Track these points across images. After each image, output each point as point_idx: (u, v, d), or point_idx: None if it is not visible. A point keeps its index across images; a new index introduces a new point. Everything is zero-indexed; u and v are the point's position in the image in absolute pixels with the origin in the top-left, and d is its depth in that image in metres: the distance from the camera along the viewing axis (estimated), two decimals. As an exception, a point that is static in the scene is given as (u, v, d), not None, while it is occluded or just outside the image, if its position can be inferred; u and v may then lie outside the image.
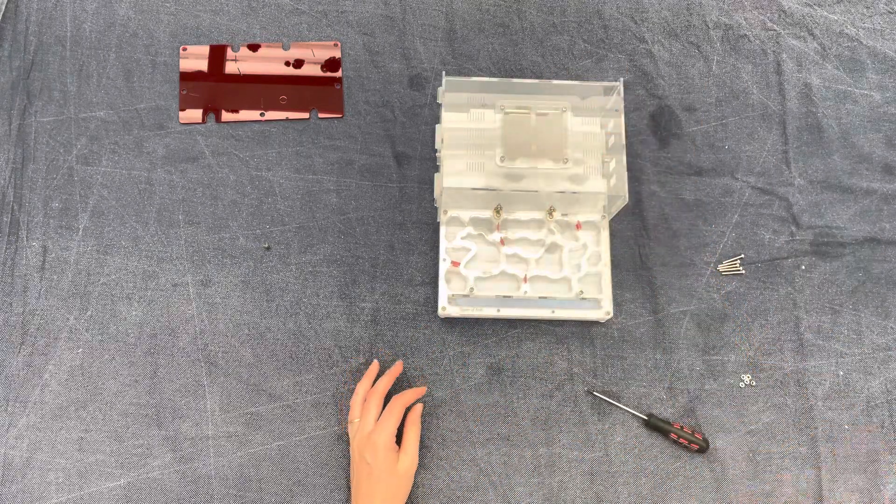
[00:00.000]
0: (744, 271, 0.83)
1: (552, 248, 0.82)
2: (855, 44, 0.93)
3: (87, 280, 0.81)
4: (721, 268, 0.82)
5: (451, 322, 0.82)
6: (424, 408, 0.79)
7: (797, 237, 0.87)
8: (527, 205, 0.82)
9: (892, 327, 0.84)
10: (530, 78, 0.90)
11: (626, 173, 0.77)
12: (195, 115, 0.87)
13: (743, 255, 0.83)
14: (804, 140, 0.90)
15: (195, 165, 0.85)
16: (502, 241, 0.82)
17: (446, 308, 0.79)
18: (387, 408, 0.73)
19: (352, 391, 0.79)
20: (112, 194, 0.84)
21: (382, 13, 0.91)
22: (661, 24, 0.93)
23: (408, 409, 0.75)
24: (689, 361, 0.82)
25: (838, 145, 0.90)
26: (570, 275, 0.81)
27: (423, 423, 0.78)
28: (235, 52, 0.89)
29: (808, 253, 0.86)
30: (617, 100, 0.79)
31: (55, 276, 0.81)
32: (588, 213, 0.83)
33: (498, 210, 0.82)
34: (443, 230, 0.82)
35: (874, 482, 0.80)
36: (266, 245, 0.80)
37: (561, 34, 0.92)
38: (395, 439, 0.72)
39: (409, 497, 0.76)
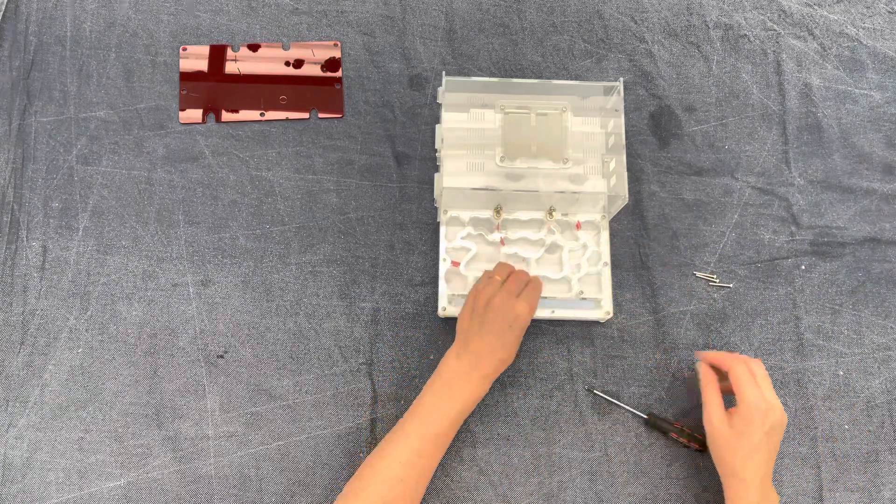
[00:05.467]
0: (718, 281, 0.83)
1: (552, 248, 0.82)
2: (855, 44, 0.93)
3: (87, 280, 0.81)
4: (699, 274, 0.82)
5: (452, 322, 0.82)
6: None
7: (797, 237, 0.87)
8: (527, 205, 0.82)
9: (892, 327, 0.84)
10: (530, 78, 0.90)
11: (626, 173, 0.77)
12: (195, 115, 0.87)
13: (717, 279, 0.83)
14: (804, 140, 0.90)
15: (195, 165, 0.85)
16: (502, 241, 0.82)
17: (446, 308, 0.79)
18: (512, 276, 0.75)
19: (352, 391, 0.79)
20: (112, 194, 0.84)
21: (382, 13, 0.91)
22: (661, 24, 0.93)
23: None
24: (689, 361, 0.82)
25: (838, 145, 0.90)
26: (570, 275, 0.81)
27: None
28: (235, 52, 0.89)
29: (808, 253, 0.86)
30: (617, 100, 0.79)
31: (55, 276, 0.81)
32: (588, 213, 0.83)
33: (498, 210, 0.82)
34: (443, 230, 0.82)
35: (874, 482, 0.80)
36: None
37: (561, 34, 0.92)
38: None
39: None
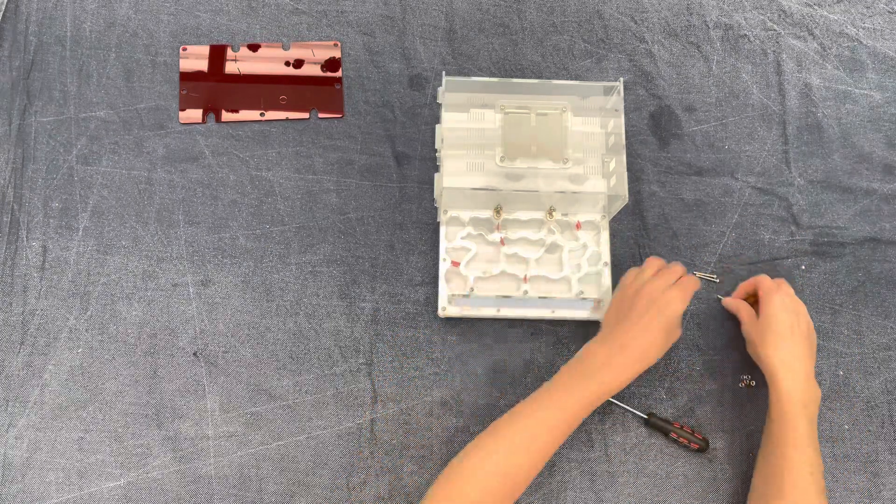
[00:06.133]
0: (717, 280, 0.84)
1: (552, 248, 0.82)
2: (855, 44, 0.93)
3: (87, 280, 0.81)
4: (699, 274, 0.83)
5: (451, 322, 0.82)
6: (424, 408, 0.79)
7: (797, 237, 0.87)
8: (527, 205, 0.82)
9: (892, 327, 0.84)
10: (530, 78, 0.90)
11: (626, 173, 0.77)
12: (195, 115, 0.87)
13: (717, 279, 0.84)
14: (804, 140, 0.90)
15: (195, 165, 0.85)
16: (502, 241, 0.82)
17: (446, 308, 0.79)
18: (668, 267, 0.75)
19: (352, 391, 0.79)
20: (112, 194, 0.84)
21: (382, 13, 0.91)
22: (661, 24, 0.93)
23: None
24: (689, 361, 0.82)
25: (838, 145, 0.90)
26: (570, 275, 0.81)
27: (422, 422, 0.79)
28: (235, 52, 0.89)
29: (808, 253, 0.86)
30: (617, 100, 0.79)
31: (55, 276, 0.81)
32: (588, 213, 0.83)
33: (498, 210, 0.82)
34: (443, 230, 0.82)
35: (874, 482, 0.80)
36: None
37: (561, 34, 0.92)
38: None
39: (408, 497, 0.77)
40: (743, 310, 0.79)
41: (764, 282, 0.78)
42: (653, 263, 0.76)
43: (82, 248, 0.82)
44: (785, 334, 0.74)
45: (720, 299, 0.83)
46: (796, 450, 0.69)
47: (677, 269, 0.75)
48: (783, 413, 0.71)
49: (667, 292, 0.71)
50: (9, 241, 0.82)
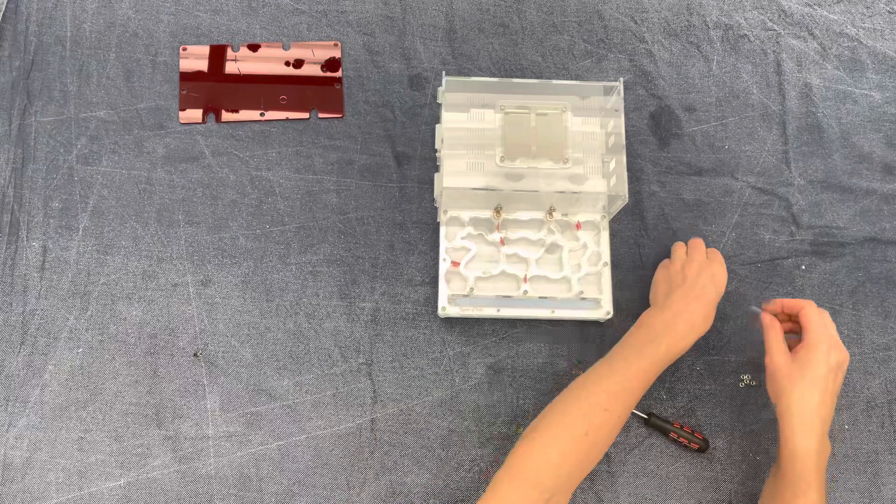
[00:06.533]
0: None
1: (552, 248, 0.82)
2: (855, 44, 0.93)
3: (87, 280, 0.81)
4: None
5: (451, 322, 0.82)
6: (424, 408, 0.79)
7: (797, 237, 0.87)
8: (527, 205, 0.82)
9: (892, 327, 0.84)
10: (530, 78, 0.90)
11: (626, 173, 0.77)
12: (195, 115, 0.87)
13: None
14: (804, 140, 0.90)
15: (195, 165, 0.85)
16: (502, 241, 0.82)
17: (446, 308, 0.79)
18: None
19: (352, 391, 0.79)
20: (112, 194, 0.84)
21: (382, 13, 0.91)
22: (661, 24, 0.93)
23: None
24: (689, 361, 0.82)
25: (838, 145, 0.90)
26: (570, 275, 0.81)
27: (422, 423, 0.79)
28: (235, 52, 0.89)
29: (808, 253, 0.86)
30: (617, 100, 0.79)
31: (55, 276, 0.81)
32: (588, 213, 0.83)
33: (498, 210, 0.82)
34: (443, 230, 0.82)
35: (874, 482, 0.80)
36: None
37: (561, 34, 0.92)
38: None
39: (408, 497, 0.77)
40: (775, 338, 0.72)
41: (810, 313, 0.71)
42: (681, 245, 0.80)
43: (82, 248, 0.82)
44: (820, 379, 0.68)
45: (754, 311, 0.77)
46: (804, 497, 0.66)
47: (701, 244, 0.79)
48: (795, 469, 0.67)
49: (712, 265, 0.76)
50: (9, 241, 0.82)
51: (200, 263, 0.83)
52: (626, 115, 0.85)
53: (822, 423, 0.68)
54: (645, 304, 0.83)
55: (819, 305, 0.84)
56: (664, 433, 0.79)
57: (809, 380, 0.68)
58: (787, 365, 0.69)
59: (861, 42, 0.93)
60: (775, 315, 0.75)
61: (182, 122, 0.87)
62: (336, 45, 0.90)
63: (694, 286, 0.74)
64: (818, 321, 0.71)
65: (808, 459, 0.66)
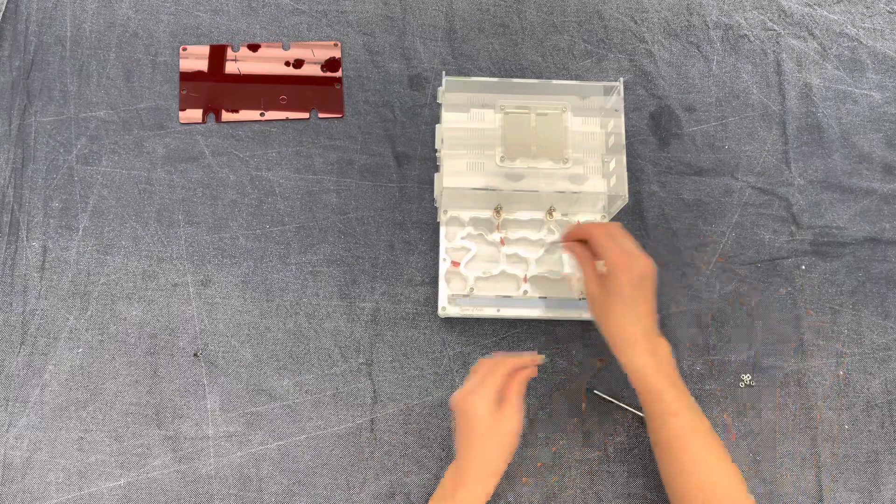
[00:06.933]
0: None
1: (552, 248, 0.82)
2: (855, 44, 0.93)
3: (87, 280, 0.81)
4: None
5: (451, 322, 0.82)
6: (424, 408, 0.79)
7: (797, 237, 0.87)
8: (527, 205, 0.82)
9: (892, 327, 0.84)
10: (530, 78, 0.90)
11: (626, 173, 0.77)
12: (195, 115, 0.87)
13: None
14: (804, 140, 0.90)
15: (195, 165, 0.85)
16: (502, 241, 0.82)
17: (446, 308, 0.79)
18: (487, 369, 0.70)
19: (352, 391, 0.79)
20: (112, 194, 0.84)
21: (382, 13, 0.91)
22: (661, 24, 0.93)
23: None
24: (689, 361, 0.82)
25: (838, 145, 0.90)
26: (571, 275, 0.81)
27: (422, 423, 0.79)
28: (235, 52, 0.89)
29: (808, 253, 0.86)
30: (617, 100, 0.79)
31: (55, 276, 0.81)
32: (588, 213, 0.83)
33: (498, 210, 0.82)
34: (443, 230, 0.82)
35: (874, 482, 0.80)
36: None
37: (561, 34, 0.92)
38: (492, 400, 0.68)
39: (409, 497, 0.77)
40: (585, 270, 0.71)
41: (598, 237, 0.70)
42: (477, 370, 0.72)
43: (82, 248, 0.82)
44: (630, 300, 0.68)
45: (556, 244, 0.73)
46: (675, 416, 0.67)
47: (487, 372, 0.70)
48: (645, 388, 0.67)
49: (479, 412, 0.68)
50: (9, 241, 0.82)
51: (200, 263, 0.83)
52: (626, 115, 0.85)
53: (645, 335, 0.67)
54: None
55: (819, 305, 0.84)
56: (664, 433, 0.79)
57: (619, 305, 0.68)
58: (599, 294, 0.69)
59: (861, 42, 0.93)
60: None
61: (182, 122, 0.87)
62: (336, 45, 0.90)
63: (470, 428, 0.68)
64: (609, 245, 0.69)
65: (646, 371, 0.67)
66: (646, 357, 0.67)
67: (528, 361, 0.72)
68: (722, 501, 0.65)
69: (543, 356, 0.74)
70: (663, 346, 0.68)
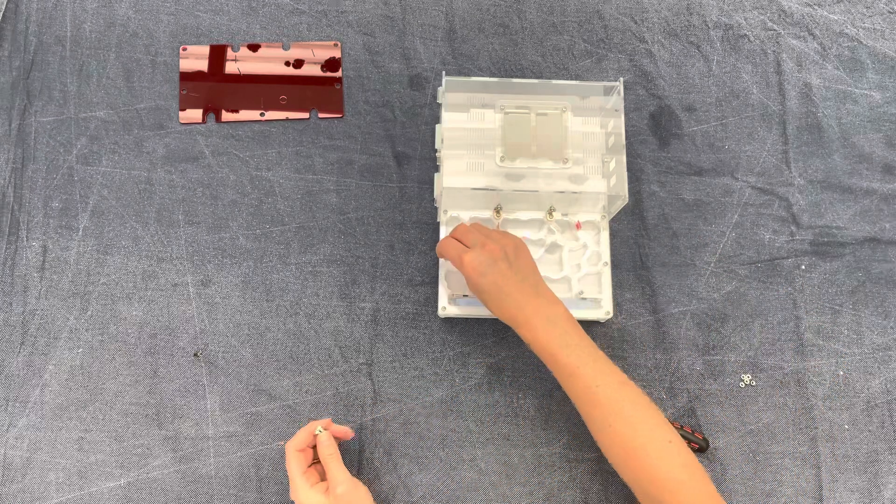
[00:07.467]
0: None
1: (552, 248, 0.82)
2: (855, 44, 0.93)
3: (87, 280, 0.81)
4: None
5: (451, 322, 0.82)
6: (424, 408, 0.79)
7: (797, 237, 0.87)
8: (527, 205, 0.82)
9: (892, 327, 0.84)
10: (530, 78, 0.90)
11: (626, 173, 0.77)
12: (195, 115, 0.87)
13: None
14: (804, 140, 0.90)
15: (195, 165, 0.85)
16: (502, 241, 0.82)
17: (446, 308, 0.79)
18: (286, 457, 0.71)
19: (352, 391, 0.79)
20: (112, 194, 0.84)
21: (382, 13, 0.91)
22: (661, 24, 0.93)
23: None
24: (689, 361, 0.82)
25: (838, 145, 0.90)
26: (570, 275, 0.81)
27: (422, 422, 0.79)
28: (235, 52, 0.89)
29: (808, 253, 0.86)
30: (617, 100, 0.79)
31: (55, 276, 0.81)
32: (588, 213, 0.83)
33: (498, 210, 0.82)
34: (443, 230, 0.82)
35: (874, 482, 0.80)
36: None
37: (561, 34, 0.92)
38: (305, 480, 0.69)
39: (408, 497, 0.77)
40: (454, 260, 0.73)
41: (445, 251, 0.73)
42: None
43: (82, 248, 0.82)
44: (495, 292, 0.70)
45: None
46: (576, 378, 0.68)
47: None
48: (543, 355, 0.69)
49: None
50: (9, 241, 0.82)
51: (200, 263, 0.83)
52: (626, 115, 0.85)
53: (519, 310, 0.69)
54: (645, 303, 0.83)
55: (819, 305, 0.84)
56: (664, 433, 0.79)
57: (495, 293, 0.70)
58: (478, 293, 0.71)
59: (861, 42, 0.93)
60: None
61: (182, 122, 0.87)
62: (336, 45, 0.90)
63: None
64: (451, 256, 0.72)
65: (541, 342, 0.68)
66: (535, 331, 0.69)
67: (312, 429, 0.72)
68: (638, 450, 0.66)
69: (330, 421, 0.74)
70: (548, 307, 0.70)
